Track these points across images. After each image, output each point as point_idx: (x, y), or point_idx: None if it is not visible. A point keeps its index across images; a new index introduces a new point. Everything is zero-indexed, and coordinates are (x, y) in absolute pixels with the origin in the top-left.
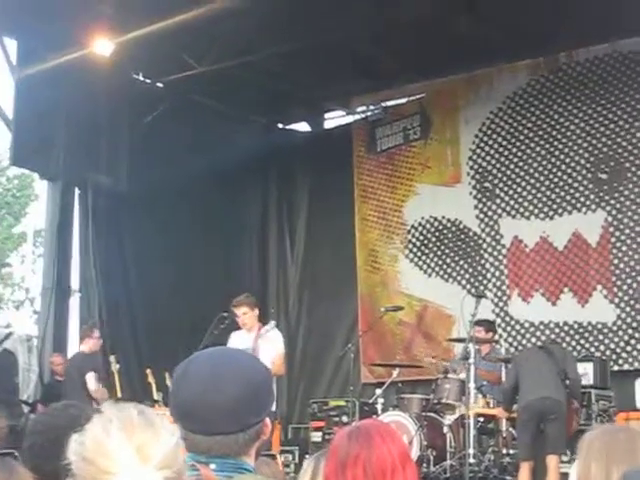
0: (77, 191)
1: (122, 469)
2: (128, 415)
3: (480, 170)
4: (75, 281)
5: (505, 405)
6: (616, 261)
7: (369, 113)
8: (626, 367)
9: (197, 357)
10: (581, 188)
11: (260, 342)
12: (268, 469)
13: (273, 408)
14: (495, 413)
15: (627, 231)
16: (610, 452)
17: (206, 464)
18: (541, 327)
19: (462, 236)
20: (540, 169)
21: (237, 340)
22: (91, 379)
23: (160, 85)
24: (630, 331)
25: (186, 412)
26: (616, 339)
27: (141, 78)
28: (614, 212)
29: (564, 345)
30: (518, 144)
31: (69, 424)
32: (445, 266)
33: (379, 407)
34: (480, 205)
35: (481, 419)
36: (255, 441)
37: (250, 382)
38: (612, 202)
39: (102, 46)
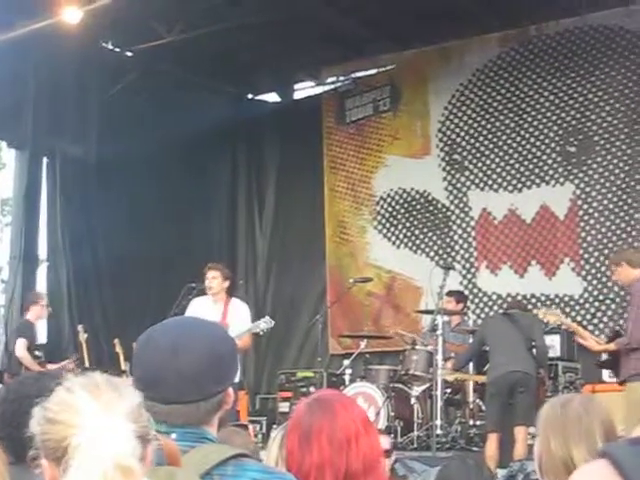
0: (45, 160)
1: (90, 422)
2: (92, 378)
3: (449, 142)
4: (43, 250)
5: (456, 364)
6: (583, 234)
7: (339, 84)
8: None
9: (160, 326)
10: (549, 161)
11: (229, 317)
12: (239, 439)
13: (238, 379)
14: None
15: (595, 204)
16: (567, 426)
17: (167, 434)
18: (508, 299)
19: (431, 208)
20: (509, 142)
21: (201, 307)
22: (20, 346)
23: (129, 54)
24: (597, 304)
25: (147, 380)
26: (583, 311)
27: (110, 47)
28: (582, 185)
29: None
30: (487, 116)
31: (41, 393)
32: (414, 238)
33: (347, 378)
34: (449, 177)
35: (448, 390)
36: (217, 411)
37: (213, 351)
38: (580, 175)
39: (70, 14)
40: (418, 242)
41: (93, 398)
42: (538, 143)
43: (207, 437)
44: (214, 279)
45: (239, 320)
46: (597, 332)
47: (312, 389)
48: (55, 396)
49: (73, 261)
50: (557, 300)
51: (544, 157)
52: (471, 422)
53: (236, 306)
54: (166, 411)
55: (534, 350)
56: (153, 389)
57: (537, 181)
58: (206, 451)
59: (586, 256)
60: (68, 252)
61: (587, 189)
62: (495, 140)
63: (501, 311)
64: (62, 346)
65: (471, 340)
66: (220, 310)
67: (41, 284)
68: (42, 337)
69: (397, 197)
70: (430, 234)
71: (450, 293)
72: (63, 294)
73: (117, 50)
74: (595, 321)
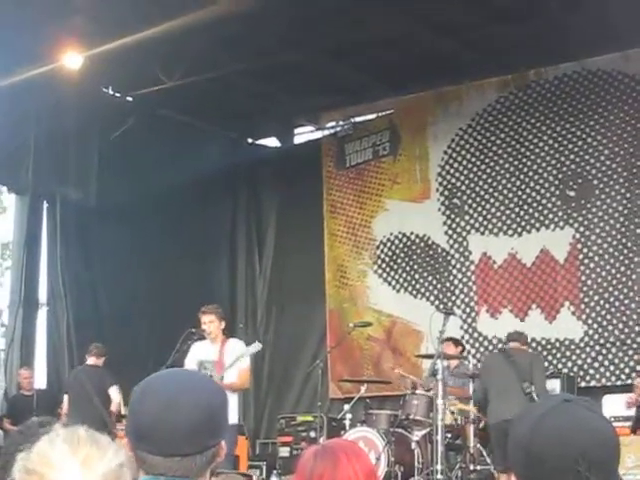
0: (45, 204)
1: (64, 476)
2: (75, 431)
3: (449, 186)
4: (43, 295)
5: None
6: (584, 278)
7: (338, 129)
8: (593, 383)
9: (154, 379)
10: (549, 205)
11: (226, 355)
12: None
13: (237, 422)
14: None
15: (595, 248)
16: None
17: None
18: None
19: (431, 252)
20: (509, 186)
21: (200, 350)
22: (117, 391)
23: (129, 99)
24: (597, 347)
25: (144, 433)
26: (583, 355)
27: (110, 92)
28: (582, 229)
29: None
30: (487, 161)
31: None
32: (414, 282)
33: (347, 423)
34: (449, 221)
35: (449, 435)
36: (211, 463)
37: (207, 404)
38: (580, 219)
39: (71, 60)
40: (418, 286)
41: (72, 452)
42: (538, 187)
43: None
44: (211, 323)
45: (234, 355)
46: (598, 376)
47: (312, 434)
48: (37, 446)
49: (73, 305)
50: (557, 344)
51: (544, 201)
52: (472, 467)
53: (232, 344)
54: (163, 464)
55: (533, 394)
56: (149, 442)
57: (537, 225)
58: None
59: (586, 300)
60: (68, 296)
61: (587, 233)
62: (495, 184)
63: (500, 347)
64: (62, 392)
65: (471, 385)
66: (217, 350)
67: (41, 328)
68: (42, 383)
69: (397, 241)
70: (430, 278)
71: (448, 339)
72: (63, 338)
73: (117, 95)
74: (596, 365)
